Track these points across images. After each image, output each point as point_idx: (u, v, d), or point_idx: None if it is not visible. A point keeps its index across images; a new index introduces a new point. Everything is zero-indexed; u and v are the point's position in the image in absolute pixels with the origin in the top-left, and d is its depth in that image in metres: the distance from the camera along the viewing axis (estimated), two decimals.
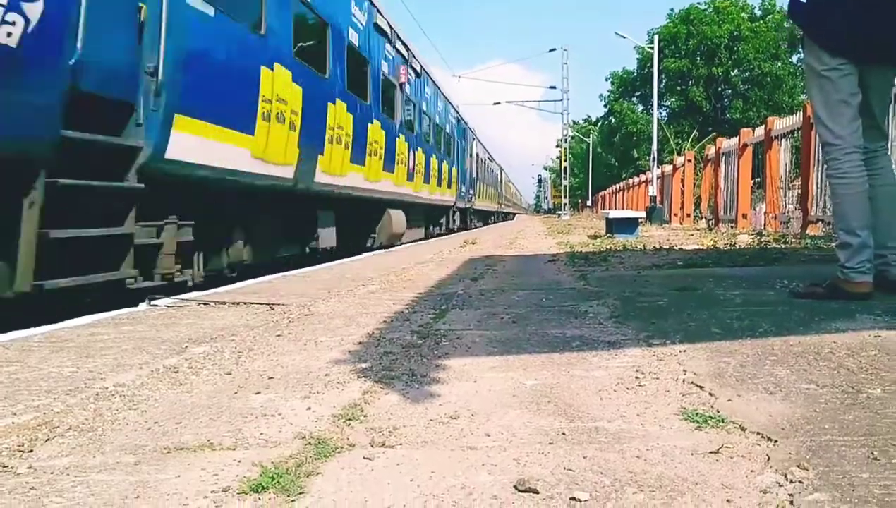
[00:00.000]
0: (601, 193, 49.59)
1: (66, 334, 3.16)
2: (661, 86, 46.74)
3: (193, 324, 3.40)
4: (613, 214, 13.84)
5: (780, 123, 12.54)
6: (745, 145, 14.11)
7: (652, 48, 28.41)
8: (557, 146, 71.50)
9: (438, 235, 19.10)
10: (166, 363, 2.53)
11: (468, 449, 1.61)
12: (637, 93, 59.72)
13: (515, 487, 1.38)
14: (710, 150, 17.75)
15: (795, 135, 11.78)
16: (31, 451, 1.64)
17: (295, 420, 1.85)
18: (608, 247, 9.09)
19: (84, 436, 1.74)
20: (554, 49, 52.97)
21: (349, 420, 1.83)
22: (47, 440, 1.72)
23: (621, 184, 37.73)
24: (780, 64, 51.90)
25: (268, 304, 4.03)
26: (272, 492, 1.38)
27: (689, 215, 20.23)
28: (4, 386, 2.23)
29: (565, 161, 52.34)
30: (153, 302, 4.10)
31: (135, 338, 3.04)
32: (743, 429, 1.66)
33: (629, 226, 12.47)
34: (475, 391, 2.09)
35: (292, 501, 1.34)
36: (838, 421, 1.70)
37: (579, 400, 1.96)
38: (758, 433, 1.63)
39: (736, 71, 53.34)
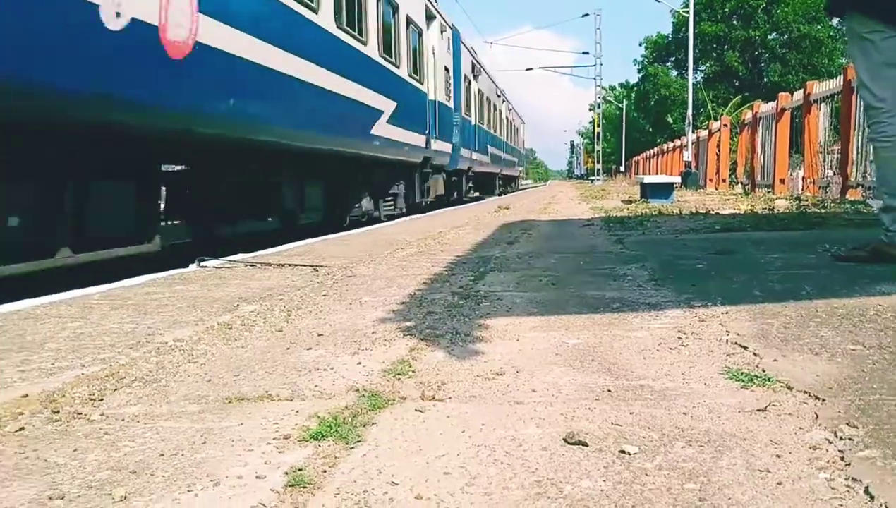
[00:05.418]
0: (634, 158, 49.00)
1: (122, 292, 3.26)
2: (697, 50, 45.79)
3: (242, 285, 3.48)
4: (648, 179, 13.71)
5: (819, 87, 12.32)
6: (784, 110, 13.88)
7: (687, 12, 27.87)
8: (591, 110, 70.70)
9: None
10: (220, 320, 2.60)
11: (515, 404, 1.64)
12: (672, 58, 58.53)
13: (565, 440, 1.40)
14: (747, 115, 17.49)
15: (835, 99, 11.56)
16: (102, 400, 1.72)
17: (347, 374, 1.90)
18: (643, 211, 9.05)
19: (149, 387, 1.82)
20: (587, 14, 52.29)
21: (399, 374, 1.87)
22: (115, 389, 1.80)
23: (655, 149, 37.21)
24: (819, 26, 50.47)
25: (311, 266, 4.10)
26: (331, 440, 1.42)
27: (724, 180, 19.96)
28: (71, 340, 2.33)
29: (598, 126, 51.82)
30: (203, 264, 4.20)
31: (188, 297, 3.12)
32: (789, 388, 1.66)
33: (664, 190, 12.35)
34: (518, 349, 2.12)
35: (351, 448, 1.39)
36: (887, 380, 1.69)
37: (622, 359, 1.97)
38: (805, 392, 1.63)
39: (774, 34, 52.03)
